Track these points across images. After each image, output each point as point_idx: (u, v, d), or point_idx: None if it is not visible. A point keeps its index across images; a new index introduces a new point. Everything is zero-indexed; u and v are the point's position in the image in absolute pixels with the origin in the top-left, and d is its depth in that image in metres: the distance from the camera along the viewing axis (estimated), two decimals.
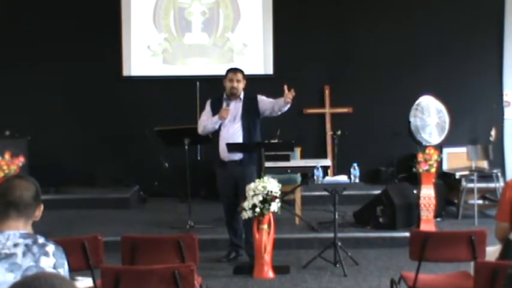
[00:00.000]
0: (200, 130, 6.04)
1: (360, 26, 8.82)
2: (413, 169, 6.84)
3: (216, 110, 5.90)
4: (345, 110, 8.82)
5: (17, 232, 2.40)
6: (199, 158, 8.24)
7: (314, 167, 6.09)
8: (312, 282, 5.41)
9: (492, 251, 4.04)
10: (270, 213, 5.48)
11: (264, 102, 5.93)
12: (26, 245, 2.35)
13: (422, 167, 6.51)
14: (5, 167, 6.12)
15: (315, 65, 8.84)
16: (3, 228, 2.42)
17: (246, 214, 5.47)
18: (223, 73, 6.14)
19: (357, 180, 5.97)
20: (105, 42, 8.70)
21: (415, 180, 6.85)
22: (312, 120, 8.95)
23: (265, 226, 5.49)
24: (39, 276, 1.65)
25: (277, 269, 5.58)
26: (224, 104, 5.88)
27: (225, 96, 5.96)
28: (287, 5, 8.74)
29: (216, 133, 5.96)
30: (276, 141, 7.28)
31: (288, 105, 5.82)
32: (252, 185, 5.46)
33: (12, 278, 2.24)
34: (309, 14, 8.82)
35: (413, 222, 6.72)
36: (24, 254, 2.32)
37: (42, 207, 2.53)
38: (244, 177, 5.70)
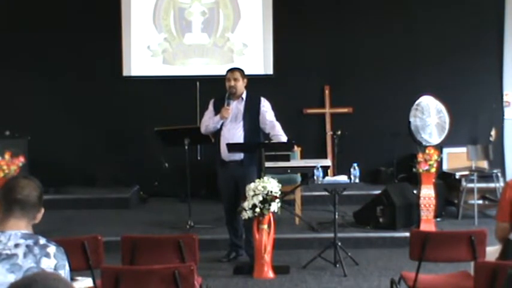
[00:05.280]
0: (203, 130, 6.06)
1: (360, 26, 8.82)
2: (413, 169, 6.83)
3: (218, 109, 5.89)
4: (345, 110, 8.82)
5: (18, 232, 2.39)
6: (199, 158, 8.23)
7: (314, 167, 6.09)
8: (312, 282, 5.41)
9: (492, 251, 4.04)
10: (270, 213, 5.48)
11: (264, 115, 5.88)
12: (27, 246, 2.34)
13: (422, 167, 6.51)
14: (5, 167, 6.13)
15: (315, 65, 8.84)
16: (5, 226, 2.42)
17: (246, 214, 5.47)
18: (223, 73, 6.14)
19: (357, 180, 5.96)
20: (105, 42, 8.69)
21: (415, 180, 6.84)
22: (312, 120, 8.95)
23: (265, 226, 5.49)
24: (35, 277, 1.65)
25: (277, 269, 5.58)
26: (225, 104, 5.87)
27: (227, 95, 5.95)
28: (287, 5, 8.74)
29: (218, 133, 5.96)
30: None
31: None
32: (252, 185, 5.46)
33: (13, 279, 2.24)
34: (309, 14, 8.82)
35: (413, 222, 6.72)
36: (25, 255, 2.32)
37: (43, 210, 2.53)
38: (245, 178, 5.70)
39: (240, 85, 5.92)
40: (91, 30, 8.66)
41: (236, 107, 5.92)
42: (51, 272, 2.25)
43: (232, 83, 5.89)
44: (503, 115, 8.75)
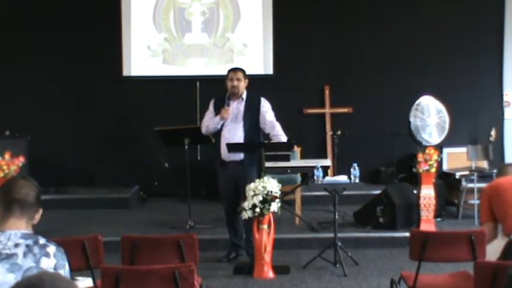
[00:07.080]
0: (203, 130, 6.06)
1: (360, 26, 8.82)
2: (413, 169, 6.83)
3: (219, 110, 5.89)
4: (345, 110, 8.82)
5: (18, 232, 2.40)
6: (199, 158, 8.24)
7: (314, 167, 6.09)
8: (312, 282, 5.41)
9: (492, 251, 4.03)
10: (270, 213, 5.48)
11: (264, 116, 5.88)
12: (27, 246, 2.35)
13: (422, 167, 6.50)
14: (5, 167, 6.13)
15: (315, 65, 8.84)
16: (5, 226, 2.43)
17: (246, 214, 5.47)
18: (223, 73, 6.15)
19: (357, 180, 5.97)
20: (105, 42, 8.69)
21: (415, 180, 6.84)
22: (312, 120, 8.95)
23: (265, 226, 5.49)
24: (43, 276, 1.65)
25: (277, 269, 5.58)
26: (225, 105, 5.87)
27: (227, 96, 5.95)
28: (287, 5, 8.74)
29: (218, 133, 5.96)
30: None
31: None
32: (252, 185, 5.46)
33: (13, 278, 2.25)
34: (309, 14, 8.82)
35: (413, 222, 6.71)
36: (25, 255, 2.33)
37: (41, 211, 2.55)
38: (245, 178, 5.69)
39: (242, 85, 5.92)
40: (91, 30, 8.66)
41: (236, 107, 5.92)
42: (56, 272, 2.26)
43: (235, 83, 5.88)
44: (503, 115, 8.76)
